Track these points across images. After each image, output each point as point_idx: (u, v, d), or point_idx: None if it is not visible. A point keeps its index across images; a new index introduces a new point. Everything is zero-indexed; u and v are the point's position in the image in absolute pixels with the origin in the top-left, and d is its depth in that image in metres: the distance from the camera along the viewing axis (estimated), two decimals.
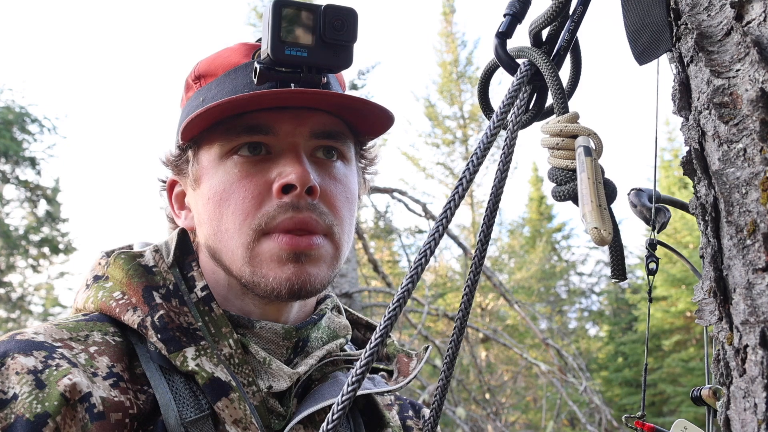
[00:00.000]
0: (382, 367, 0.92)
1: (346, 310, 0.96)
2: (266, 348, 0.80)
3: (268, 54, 0.76)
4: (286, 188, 0.77)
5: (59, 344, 0.71)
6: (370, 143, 0.92)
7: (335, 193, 0.81)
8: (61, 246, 16.42)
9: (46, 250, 16.09)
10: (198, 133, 0.82)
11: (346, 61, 0.79)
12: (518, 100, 0.66)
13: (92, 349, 0.72)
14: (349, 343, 0.94)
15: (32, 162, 14.00)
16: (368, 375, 0.89)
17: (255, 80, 0.77)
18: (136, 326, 0.74)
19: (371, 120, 0.84)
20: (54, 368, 0.67)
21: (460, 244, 4.69)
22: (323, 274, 0.79)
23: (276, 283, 0.77)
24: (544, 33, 0.68)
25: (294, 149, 0.79)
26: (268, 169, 0.78)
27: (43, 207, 15.07)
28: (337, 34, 0.78)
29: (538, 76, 0.66)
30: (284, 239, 0.77)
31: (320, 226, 0.79)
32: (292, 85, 0.79)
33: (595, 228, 0.53)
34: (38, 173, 14.28)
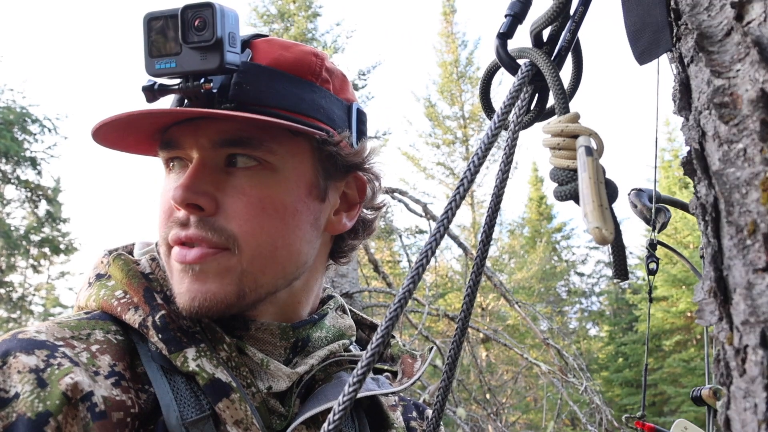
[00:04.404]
0: (386, 368, 0.92)
1: (350, 311, 0.95)
2: (263, 349, 0.79)
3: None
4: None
5: (61, 343, 0.70)
6: (342, 135, 0.81)
7: (241, 205, 0.75)
8: (61, 246, 16.43)
9: (46, 250, 16.11)
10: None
11: (216, 62, 0.72)
12: (519, 101, 0.66)
13: (94, 348, 0.72)
14: (354, 343, 0.94)
15: (33, 162, 14.01)
16: (373, 376, 0.89)
17: (146, 100, 0.75)
18: (137, 326, 0.74)
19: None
20: (56, 367, 0.67)
21: (460, 244, 4.69)
22: (216, 289, 0.74)
23: (179, 298, 0.75)
24: (545, 33, 0.68)
25: (193, 163, 0.76)
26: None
27: (43, 207, 15.09)
28: (199, 35, 0.72)
29: (539, 77, 0.66)
30: (175, 253, 0.76)
31: (211, 242, 0.74)
32: (186, 101, 0.76)
33: (597, 228, 0.53)
34: (39, 173, 14.29)
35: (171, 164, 0.80)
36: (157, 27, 0.74)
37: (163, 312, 0.75)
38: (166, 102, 0.80)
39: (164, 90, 0.75)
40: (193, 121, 0.76)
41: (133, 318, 0.75)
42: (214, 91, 0.75)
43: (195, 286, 0.74)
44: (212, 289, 0.74)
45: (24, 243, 15.14)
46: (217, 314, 0.75)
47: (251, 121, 0.73)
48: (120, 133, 0.78)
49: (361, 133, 0.88)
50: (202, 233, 0.74)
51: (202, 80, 0.73)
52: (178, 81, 0.75)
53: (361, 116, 0.89)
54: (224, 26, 0.72)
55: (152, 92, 0.75)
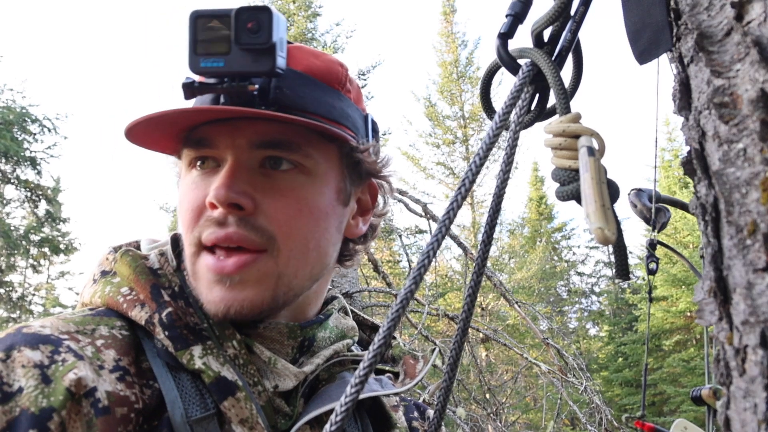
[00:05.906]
0: (388, 368, 0.93)
1: (351, 311, 0.96)
2: (271, 348, 0.79)
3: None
4: (214, 204, 0.75)
5: (66, 336, 0.70)
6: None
7: (280, 206, 0.75)
8: (61, 246, 16.44)
9: (46, 250, 16.12)
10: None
11: (268, 65, 0.73)
12: (520, 101, 0.66)
13: (99, 342, 0.72)
14: (356, 344, 0.94)
15: (33, 162, 14.00)
16: (375, 377, 0.89)
17: (183, 97, 0.75)
18: (143, 323, 0.74)
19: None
20: (60, 363, 0.67)
21: (460, 244, 4.68)
22: (254, 295, 0.74)
23: (209, 305, 0.75)
24: (546, 33, 0.68)
25: (229, 163, 0.76)
26: (211, 182, 0.76)
27: (43, 207, 15.09)
28: (253, 38, 0.73)
29: (540, 77, 0.66)
30: (210, 262, 0.75)
31: (252, 242, 0.74)
32: (222, 98, 0.76)
33: (599, 228, 0.53)
34: (39, 173, 14.28)
35: (197, 163, 0.79)
36: (205, 26, 0.74)
37: (169, 309, 0.75)
38: (188, 101, 0.80)
39: (206, 88, 0.75)
40: (230, 121, 0.76)
41: (139, 315, 0.75)
42: (255, 93, 0.75)
43: (230, 294, 0.74)
44: (249, 296, 0.74)
45: (24, 243, 15.14)
46: (249, 318, 0.76)
47: (297, 124, 0.75)
48: (149, 130, 0.78)
49: (376, 142, 0.91)
50: (243, 232, 0.74)
51: (247, 81, 0.74)
52: (219, 80, 0.75)
53: (375, 126, 0.92)
54: (278, 31, 0.74)
55: (192, 89, 0.75)
